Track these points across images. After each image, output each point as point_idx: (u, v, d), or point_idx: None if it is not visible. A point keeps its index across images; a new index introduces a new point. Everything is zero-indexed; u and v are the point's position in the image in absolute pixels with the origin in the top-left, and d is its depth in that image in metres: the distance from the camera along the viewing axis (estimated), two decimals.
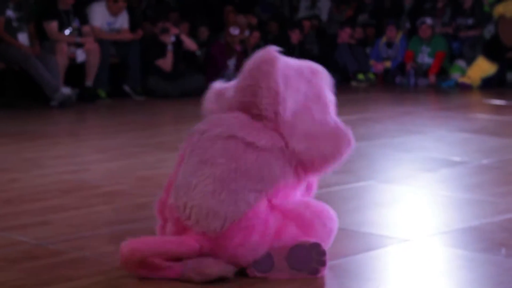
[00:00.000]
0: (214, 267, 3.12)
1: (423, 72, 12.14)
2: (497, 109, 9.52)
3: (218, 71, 10.57)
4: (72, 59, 9.65)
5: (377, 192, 4.91)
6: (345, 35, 12.64)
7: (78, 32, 9.77)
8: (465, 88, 11.48)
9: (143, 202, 4.51)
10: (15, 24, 9.27)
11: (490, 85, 11.53)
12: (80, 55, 9.70)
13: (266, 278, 3.19)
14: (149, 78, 10.26)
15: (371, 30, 13.22)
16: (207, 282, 3.10)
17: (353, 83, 12.27)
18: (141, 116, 8.62)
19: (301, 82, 3.34)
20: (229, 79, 3.75)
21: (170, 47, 10.46)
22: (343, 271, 3.33)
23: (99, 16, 10.16)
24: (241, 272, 3.22)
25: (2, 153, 6.20)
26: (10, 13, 9.24)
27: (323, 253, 3.21)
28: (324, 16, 14.04)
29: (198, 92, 4.85)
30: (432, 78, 12.00)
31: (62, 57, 9.40)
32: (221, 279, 3.13)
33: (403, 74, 12.24)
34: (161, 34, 10.45)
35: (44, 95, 9.08)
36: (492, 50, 11.52)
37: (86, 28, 9.87)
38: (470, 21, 12.40)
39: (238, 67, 9.88)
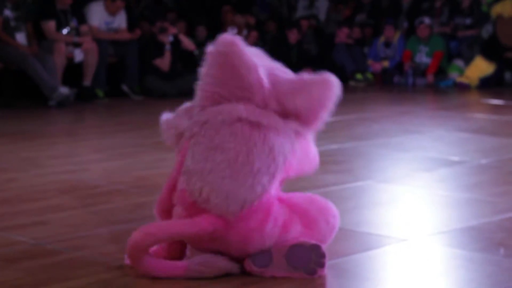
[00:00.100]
0: (222, 261, 3.17)
1: (421, 71, 12.14)
2: (495, 108, 9.52)
3: None
4: (70, 59, 9.65)
5: (375, 192, 4.91)
6: (343, 35, 12.65)
7: (76, 31, 9.76)
8: (463, 88, 11.48)
9: (141, 202, 4.52)
10: (13, 23, 9.26)
11: (488, 85, 11.54)
12: (78, 55, 9.70)
13: (262, 275, 3.19)
14: (147, 78, 10.26)
15: (369, 29, 13.22)
16: (210, 278, 3.13)
17: (351, 83, 12.26)
18: (139, 115, 8.62)
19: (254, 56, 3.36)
20: None
21: (168, 47, 10.46)
22: (341, 271, 3.33)
23: (97, 15, 10.16)
24: (241, 272, 3.22)
25: (0, 153, 6.20)
26: (8, 12, 9.23)
27: (322, 255, 3.21)
28: (322, 16, 14.05)
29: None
30: (430, 77, 12.00)
31: (60, 57, 9.40)
32: (227, 275, 3.16)
33: (401, 73, 12.25)
34: (159, 33, 10.45)
35: (42, 95, 9.07)
36: (490, 50, 11.53)
37: (84, 28, 9.86)
38: (468, 21, 12.41)
39: None
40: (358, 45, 12.80)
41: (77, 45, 9.68)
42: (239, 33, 11.37)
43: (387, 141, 6.80)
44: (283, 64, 3.47)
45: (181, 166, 3.29)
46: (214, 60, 3.32)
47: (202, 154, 3.21)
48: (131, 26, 10.54)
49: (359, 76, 12.38)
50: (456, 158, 5.95)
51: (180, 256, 3.31)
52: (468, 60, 11.88)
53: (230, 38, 3.33)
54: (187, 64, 10.77)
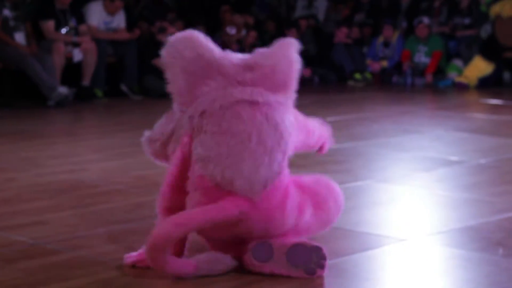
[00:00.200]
0: (228, 259, 3.21)
1: (420, 71, 12.14)
2: (494, 108, 9.52)
3: None
4: (69, 59, 9.64)
5: (374, 192, 4.91)
6: (341, 35, 12.65)
7: (75, 31, 9.76)
8: (462, 88, 11.48)
9: (140, 201, 4.52)
10: (11, 23, 9.26)
11: (487, 85, 11.54)
12: (77, 55, 9.69)
13: (261, 270, 3.20)
14: (146, 78, 10.25)
15: (367, 29, 13.21)
16: (210, 277, 3.14)
17: (350, 83, 12.27)
18: (138, 115, 8.61)
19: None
20: None
21: None
22: (340, 271, 3.33)
23: (96, 15, 10.16)
24: (241, 271, 3.23)
25: None
26: (6, 12, 9.23)
27: (323, 257, 3.22)
28: (321, 16, 14.05)
29: None
30: (429, 77, 12.00)
31: (59, 57, 9.39)
32: (227, 274, 3.19)
33: (400, 73, 12.25)
34: (159, 33, 10.45)
35: (41, 95, 9.07)
36: (489, 50, 11.52)
37: (83, 28, 9.86)
38: (467, 21, 12.41)
39: None
40: (357, 45, 12.80)
41: (76, 45, 9.68)
42: (238, 32, 11.37)
43: (386, 141, 6.80)
44: None
45: (181, 161, 3.28)
46: (171, 60, 3.45)
47: (212, 140, 3.21)
48: (130, 26, 10.53)
49: (358, 76, 12.38)
50: (455, 158, 5.95)
51: (181, 254, 3.31)
52: (467, 60, 11.87)
53: (189, 34, 3.39)
54: None
